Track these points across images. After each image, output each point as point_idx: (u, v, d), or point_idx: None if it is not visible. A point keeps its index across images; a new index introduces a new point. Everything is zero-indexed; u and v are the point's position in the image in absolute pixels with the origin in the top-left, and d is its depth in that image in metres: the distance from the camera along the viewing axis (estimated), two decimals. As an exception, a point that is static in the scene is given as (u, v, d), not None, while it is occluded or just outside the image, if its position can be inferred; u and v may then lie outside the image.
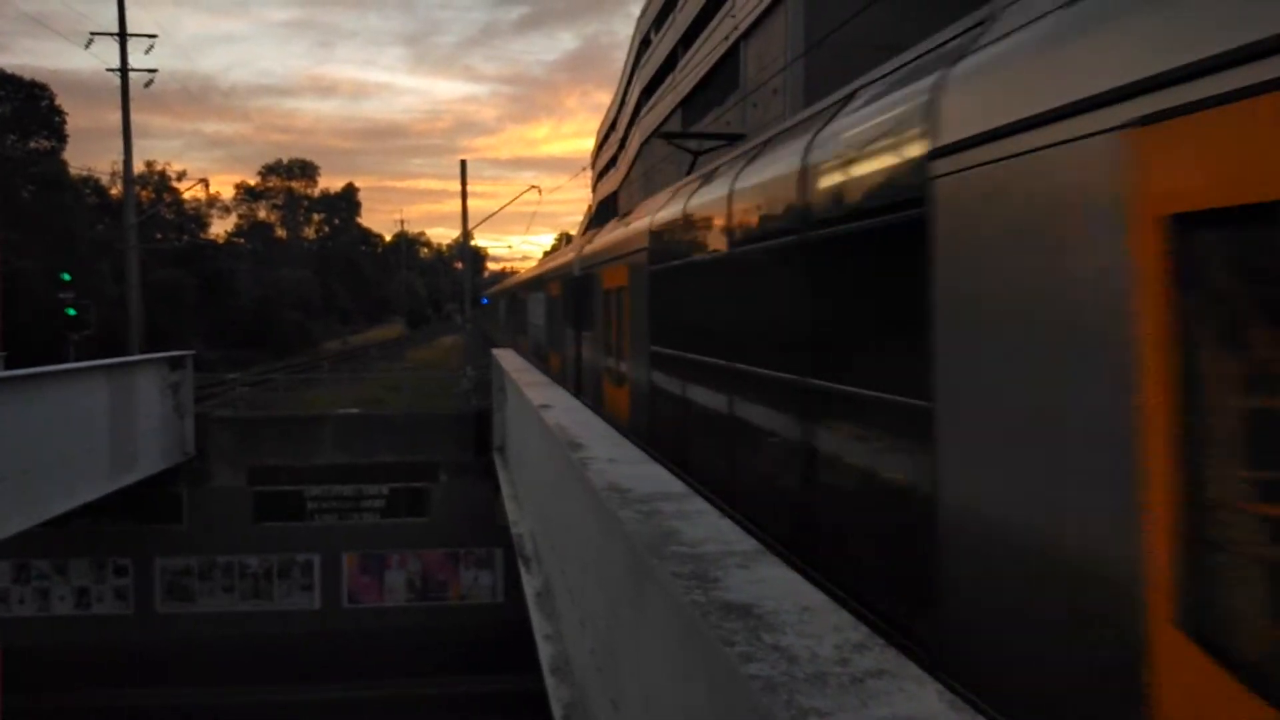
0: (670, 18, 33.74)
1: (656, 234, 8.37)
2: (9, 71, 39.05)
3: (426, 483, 16.56)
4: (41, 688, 14.68)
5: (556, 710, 5.24)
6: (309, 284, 65.93)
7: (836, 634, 2.36)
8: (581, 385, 13.14)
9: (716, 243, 6.46)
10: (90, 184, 45.03)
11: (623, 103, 50.75)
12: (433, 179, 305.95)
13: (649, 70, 38.70)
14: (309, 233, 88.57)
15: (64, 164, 39.85)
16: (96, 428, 12.76)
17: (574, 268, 14.00)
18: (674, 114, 33.14)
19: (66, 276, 27.31)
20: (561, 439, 5.83)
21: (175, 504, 16.01)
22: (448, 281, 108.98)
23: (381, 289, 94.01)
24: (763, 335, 5.50)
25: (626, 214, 12.52)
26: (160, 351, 16.57)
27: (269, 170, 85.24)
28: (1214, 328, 2.22)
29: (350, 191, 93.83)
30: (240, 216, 78.99)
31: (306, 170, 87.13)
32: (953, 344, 3.35)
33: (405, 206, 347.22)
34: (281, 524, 16.28)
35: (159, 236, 46.11)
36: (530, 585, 7.56)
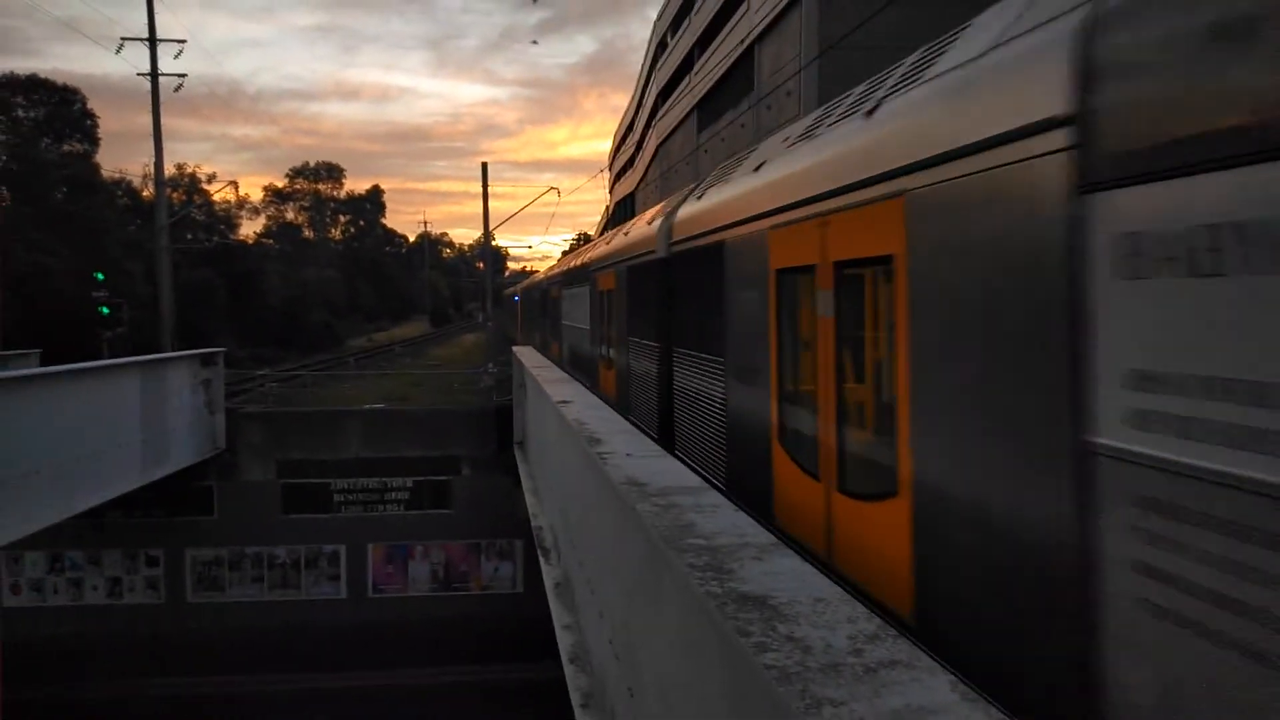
0: (687, 21, 33.67)
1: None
2: (42, 76, 39.91)
3: (449, 476, 16.73)
4: (74, 675, 15.04)
5: (575, 698, 5.30)
6: (335, 283, 66.69)
7: (850, 625, 2.38)
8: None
9: None
10: (122, 186, 45.84)
11: (640, 105, 50.71)
12: (454, 181, 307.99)
13: (665, 73, 38.66)
14: (335, 234, 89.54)
15: (96, 166, 40.59)
16: (129, 422, 13.00)
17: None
18: (690, 116, 33.05)
19: (100, 276, 27.84)
20: (580, 434, 5.88)
21: (206, 496, 16.30)
22: (469, 281, 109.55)
23: (405, 288, 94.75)
24: None
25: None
26: (192, 349, 16.85)
27: (296, 173, 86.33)
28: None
29: (376, 193, 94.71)
30: (269, 218, 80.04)
31: (333, 173, 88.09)
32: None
33: (428, 208, 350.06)
34: (309, 516, 16.52)
35: (190, 237, 46.83)
36: (550, 576, 7.63)
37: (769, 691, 2.04)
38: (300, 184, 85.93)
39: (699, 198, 7.43)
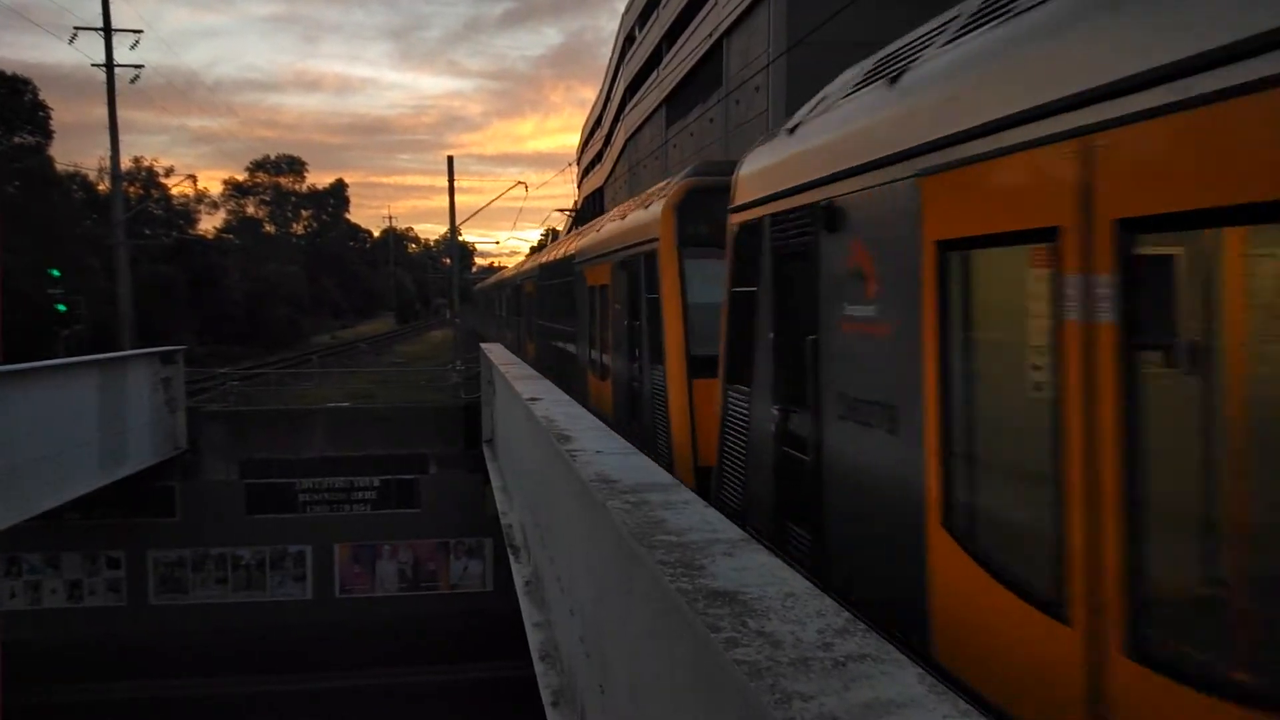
0: (655, 14, 33.61)
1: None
2: (-9, 64, 38.49)
3: (416, 474, 16.59)
4: (34, 681, 14.66)
5: (545, 696, 5.30)
6: (298, 279, 65.56)
7: (819, 619, 2.40)
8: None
9: None
10: (77, 180, 44.55)
11: (608, 99, 50.63)
12: (420, 175, 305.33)
13: (634, 66, 38.61)
14: (298, 228, 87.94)
15: (50, 160, 39.38)
16: (88, 422, 12.71)
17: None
18: (659, 110, 33.06)
19: (56, 273, 27.10)
20: (550, 431, 5.87)
21: (168, 497, 15.99)
22: (436, 277, 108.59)
23: (370, 284, 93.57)
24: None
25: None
26: (151, 347, 16.51)
27: (257, 166, 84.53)
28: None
29: (339, 187, 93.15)
30: (229, 212, 78.30)
31: (294, 166, 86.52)
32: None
33: (393, 202, 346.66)
34: (273, 516, 16.28)
35: (148, 233, 45.66)
36: (519, 574, 7.62)
37: (739, 687, 2.06)
38: (261, 177, 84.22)
39: None
